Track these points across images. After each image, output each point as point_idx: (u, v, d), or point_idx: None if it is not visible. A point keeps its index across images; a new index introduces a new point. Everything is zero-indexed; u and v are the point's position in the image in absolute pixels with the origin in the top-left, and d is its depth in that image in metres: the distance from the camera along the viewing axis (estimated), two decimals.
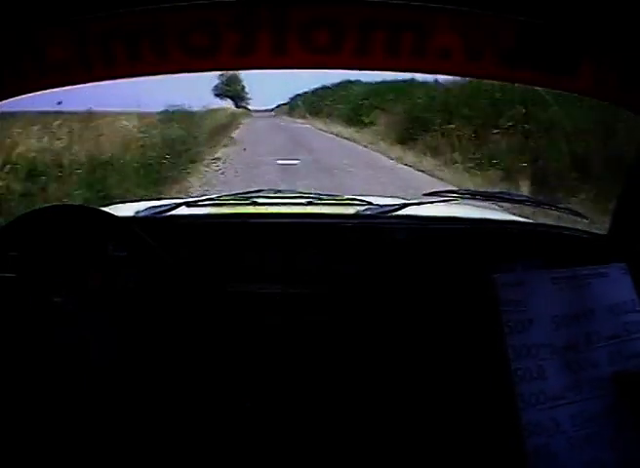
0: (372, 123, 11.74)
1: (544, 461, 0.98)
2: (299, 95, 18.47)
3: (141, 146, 7.23)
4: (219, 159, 8.81)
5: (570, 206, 2.20)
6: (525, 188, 5.72)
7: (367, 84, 12.89)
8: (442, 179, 6.87)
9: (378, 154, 9.61)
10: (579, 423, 1.01)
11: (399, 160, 8.76)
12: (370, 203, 1.56)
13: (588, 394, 1.02)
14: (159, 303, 1.25)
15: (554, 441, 0.99)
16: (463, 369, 1.25)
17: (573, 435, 1.00)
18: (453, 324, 1.27)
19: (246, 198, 1.57)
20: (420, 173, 7.72)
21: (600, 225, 1.56)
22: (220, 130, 11.75)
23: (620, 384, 1.03)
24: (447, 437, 1.23)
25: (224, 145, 10.55)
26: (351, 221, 1.46)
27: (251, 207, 1.54)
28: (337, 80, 14.61)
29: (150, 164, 6.86)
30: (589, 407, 1.02)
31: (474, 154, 7.62)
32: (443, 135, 8.43)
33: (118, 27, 0.97)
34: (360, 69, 1.04)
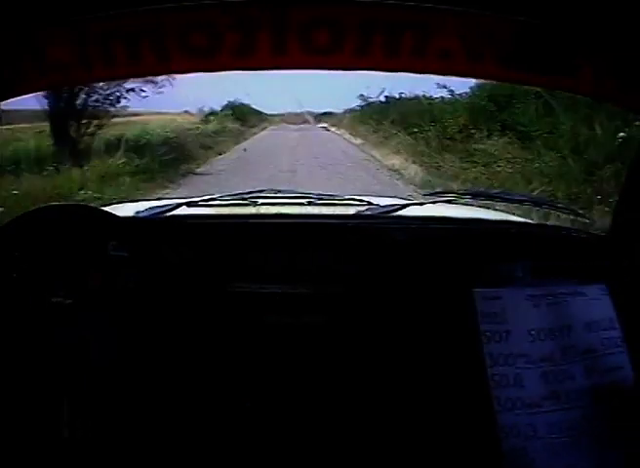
0: None
1: (521, 464, 1.01)
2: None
3: None
4: None
5: (570, 206, 2.20)
6: None
7: None
8: None
9: None
10: (556, 431, 1.04)
11: None
12: (370, 203, 1.56)
13: (565, 404, 1.06)
14: (159, 303, 1.25)
15: (531, 445, 1.03)
16: (449, 371, 1.25)
17: (550, 441, 1.03)
18: (450, 324, 1.27)
19: (246, 198, 1.57)
20: None
21: (600, 225, 1.56)
22: None
23: (596, 397, 1.06)
24: (429, 437, 1.23)
25: None
26: (352, 222, 1.46)
27: (251, 207, 1.54)
28: None
29: None
30: (566, 416, 1.06)
31: None
32: None
33: (118, 27, 0.96)
34: (360, 69, 1.04)
